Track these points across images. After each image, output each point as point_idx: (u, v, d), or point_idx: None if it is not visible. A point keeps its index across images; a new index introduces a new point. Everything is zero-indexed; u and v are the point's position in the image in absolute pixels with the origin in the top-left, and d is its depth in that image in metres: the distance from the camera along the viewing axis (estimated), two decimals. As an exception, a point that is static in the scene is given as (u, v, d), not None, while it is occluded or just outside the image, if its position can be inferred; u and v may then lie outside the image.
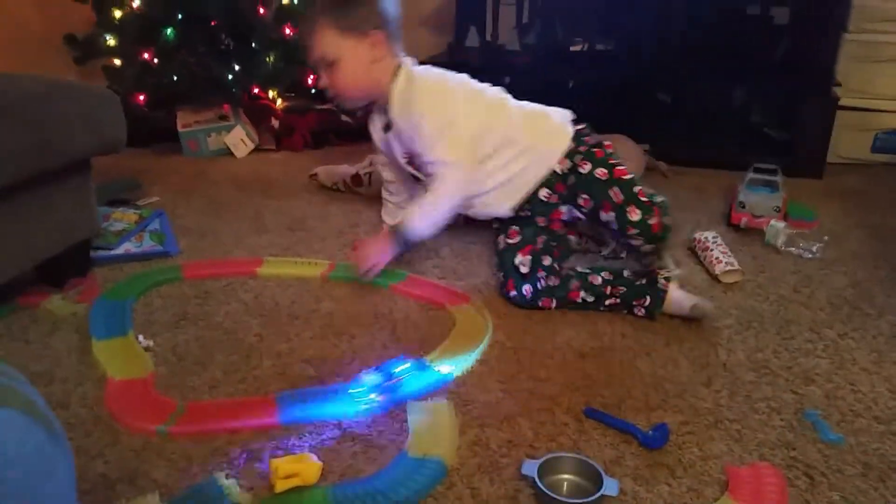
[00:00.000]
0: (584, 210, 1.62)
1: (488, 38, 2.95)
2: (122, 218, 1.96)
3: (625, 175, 1.56)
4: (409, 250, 1.70)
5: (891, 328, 1.51)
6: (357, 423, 1.20)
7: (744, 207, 2.00)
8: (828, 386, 1.31)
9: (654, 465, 1.10)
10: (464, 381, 1.31)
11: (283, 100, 2.87)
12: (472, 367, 1.35)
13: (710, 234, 1.83)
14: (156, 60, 2.58)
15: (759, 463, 1.10)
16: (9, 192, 1.41)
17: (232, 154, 2.78)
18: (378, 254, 1.63)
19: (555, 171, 1.62)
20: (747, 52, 2.74)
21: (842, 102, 2.44)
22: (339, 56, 1.57)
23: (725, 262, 1.70)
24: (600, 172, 1.57)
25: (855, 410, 1.24)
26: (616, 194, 1.54)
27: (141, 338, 1.44)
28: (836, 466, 1.10)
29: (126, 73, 2.64)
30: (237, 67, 2.55)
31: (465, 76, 1.70)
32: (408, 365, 1.32)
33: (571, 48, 3.03)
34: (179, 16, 2.51)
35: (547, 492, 1.00)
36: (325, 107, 2.93)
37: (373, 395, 1.24)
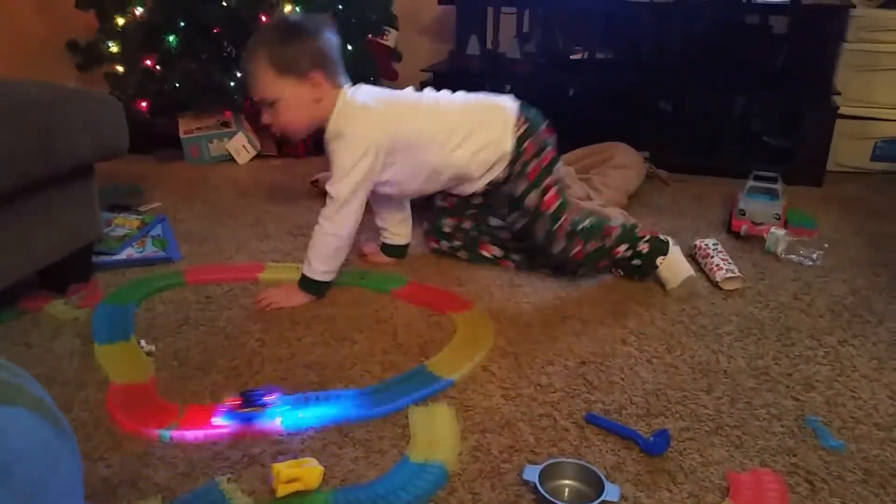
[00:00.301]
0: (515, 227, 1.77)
1: (489, 46, 2.97)
2: (125, 223, 1.97)
3: (552, 205, 1.67)
4: (322, 296, 1.64)
5: (890, 335, 1.51)
6: (359, 427, 1.20)
7: (744, 215, 2.00)
8: (828, 393, 1.31)
9: (655, 470, 1.10)
10: (465, 386, 1.32)
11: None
12: (473, 373, 1.36)
13: (710, 242, 1.83)
14: (158, 67, 2.59)
15: (760, 469, 1.11)
16: (12, 196, 1.42)
17: (234, 160, 2.78)
18: (284, 299, 1.61)
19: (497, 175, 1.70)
20: (747, 61, 2.76)
21: (841, 111, 2.45)
22: (279, 97, 1.55)
23: (726, 270, 1.71)
24: (529, 201, 1.67)
25: (856, 417, 1.24)
26: (540, 228, 1.68)
27: (143, 342, 1.44)
28: (836, 473, 1.10)
29: (128, 80, 2.65)
30: (239, 74, 2.56)
31: (405, 91, 1.72)
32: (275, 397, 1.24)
33: (572, 56, 3.04)
34: (182, 23, 2.52)
35: (548, 497, 1.00)
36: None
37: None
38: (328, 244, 1.60)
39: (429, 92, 1.72)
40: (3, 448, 0.59)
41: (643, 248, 1.68)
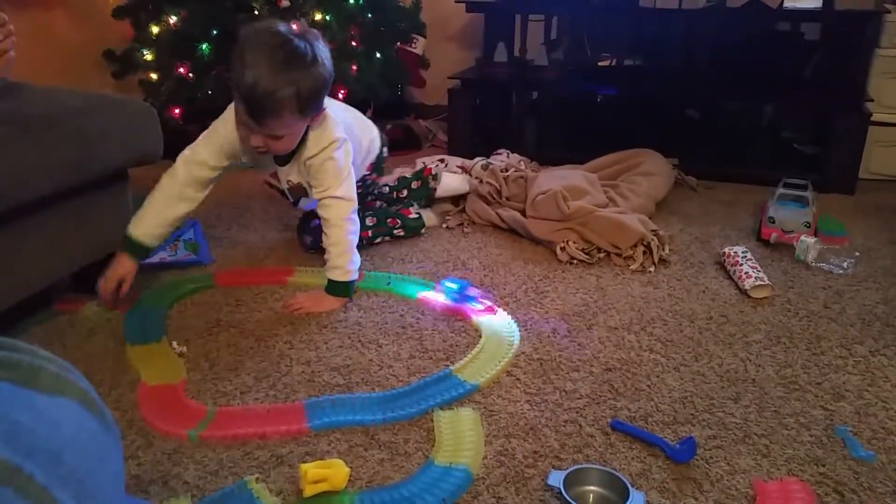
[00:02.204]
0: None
1: (516, 53, 2.97)
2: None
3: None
4: (351, 297, 1.67)
5: (924, 346, 1.48)
6: (384, 430, 1.21)
7: (774, 223, 1.98)
8: (858, 402, 1.29)
9: (681, 478, 1.10)
10: (490, 391, 1.32)
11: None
12: (498, 378, 1.36)
13: (739, 249, 1.82)
14: (191, 75, 2.64)
15: (788, 478, 1.10)
16: (50, 201, 1.46)
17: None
18: (314, 304, 1.64)
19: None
20: (778, 68, 2.73)
21: (874, 118, 2.41)
22: (290, 132, 1.55)
23: (755, 278, 1.69)
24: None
25: (887, 428, 1.22)
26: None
27: (174, 344, 1.47)
28: (866, 484, 1.09)
29: (162, 87, 2.70)
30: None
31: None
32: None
33: (599, 63, 3.04)
34: (214, 32, 2.57)
35: (573, 503, 1.00)
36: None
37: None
38: (353, 242, 1.64)
39: None
40: (54, 436, 0.61)
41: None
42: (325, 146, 1.61)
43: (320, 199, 1.65)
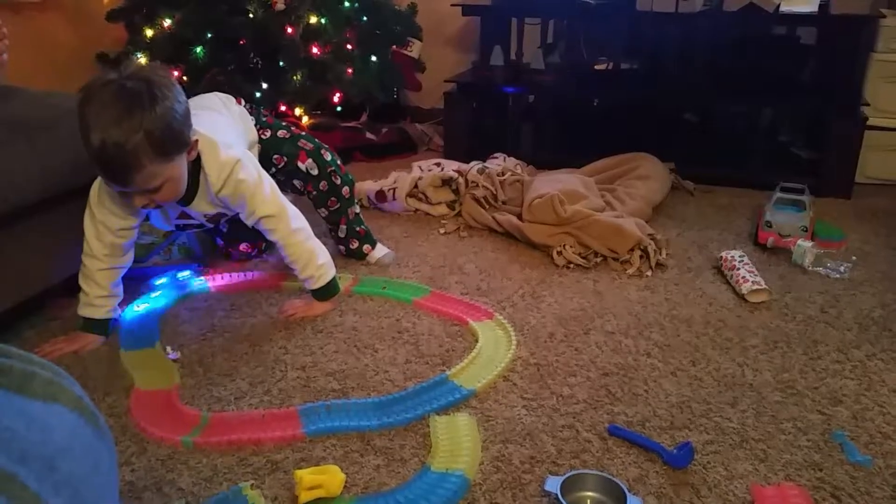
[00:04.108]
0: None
1: (513, 56, 2.97)
2: (151, 231, 1.99)
3: None
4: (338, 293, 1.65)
5: (921, 350, 1.48)
6: (380, 436, 1.20)
7: (770, 227, 1.98)
8: (856, 407, 1.29)
9: (679, 484, 1.09)
10: (487, 396, 1.31)
11: (310, 117, 2.90)
12: (494, 383, 1.35)
13: (736, 253, 1.82)
14: (185, 78, 2.63)
15: (785, 483, 1.09)
16: (44, 205, 1.45)
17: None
18: (308, 309, 1.62)
19: None
20: (774, 72, 2.73)
21: (870, 122, 2.42)
22: (165, 179, 1.35)
23: (752, 282, 1.69)
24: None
25: (884, 432, 1.22)
26: None
27: (168, 349, 1.46)
28: (864, 489, 1.08)
29: (157, 91, 2.70)
30: (265, 85, 2.59)
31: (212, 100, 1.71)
32: None
33: (596, 67, 3.04)
34: (209, 35, 2.56)
35: (570, 508, 0.99)
36: (350, 124, 2.96)
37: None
38: (312, 244, 1.59)
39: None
40: (46, 443, 0.60)
41: None
42: (228, 174, 1.47)
43: (257, 223, 1.55)
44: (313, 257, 1.58)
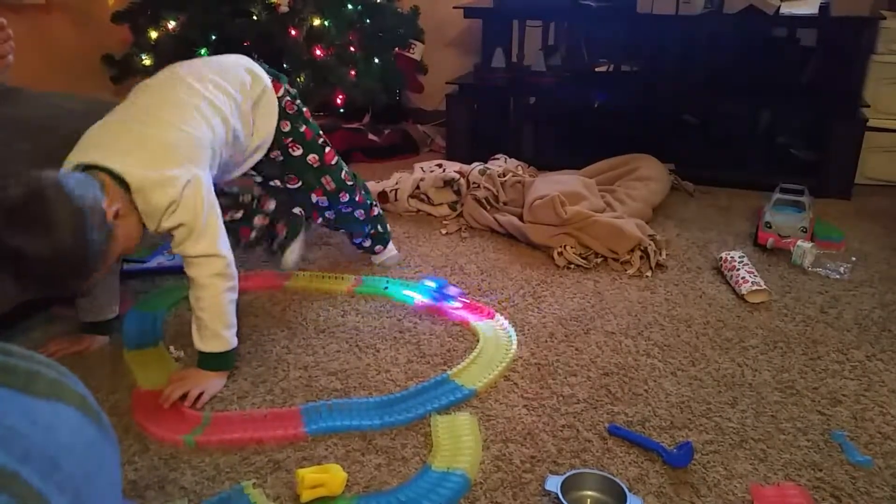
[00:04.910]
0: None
1: (514, 59, 2.98)
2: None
3: None
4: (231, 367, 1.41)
5: (921, 350, 1.49)
6: (382, 435, 1.21)
7: (770, 227, 1.99)
8: (855, 407, 1.29)
9: (679, 483, 1.10)
10: (487, 396, 1.32)
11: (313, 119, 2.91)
12: (495, 383, 1.36)
13: (736, 254, 1.82)
14: (189, 79, 2.64)
15: (785, 483, 1.10)
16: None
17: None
18: (200, 385, 1.33)
19: None
20: (774, 74, 2.74)
21: (870, 124, 2.42)
22: (108, 263, 1.23)
23: (752, 282, 1.69)
24: None
25: (884, 432, 1.22)
26: None
27: (172, 349, 1.47)
28: (863, 489, 1.09)
29: (160, 92, 2.71)
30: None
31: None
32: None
33: (596, 69, 3.05)
34: (213, 36, 2.57)
35: (570, 507, 1.00)
36: (353, 126, 2.97)
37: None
38: (231, 303, 1.36)
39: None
40: (50, 442, 0.61)
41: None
42: (160, 217, 1.26)
43: (184, 257, 1.34)
44: (224, 315, 1.34)
